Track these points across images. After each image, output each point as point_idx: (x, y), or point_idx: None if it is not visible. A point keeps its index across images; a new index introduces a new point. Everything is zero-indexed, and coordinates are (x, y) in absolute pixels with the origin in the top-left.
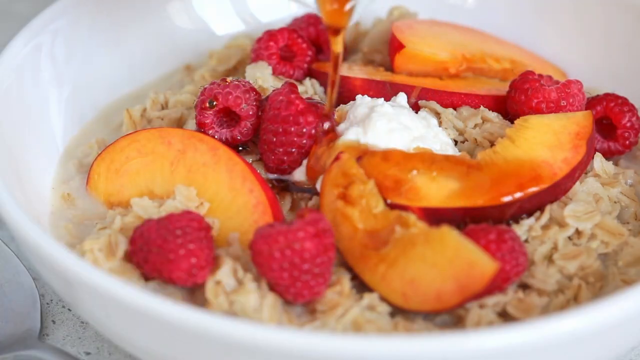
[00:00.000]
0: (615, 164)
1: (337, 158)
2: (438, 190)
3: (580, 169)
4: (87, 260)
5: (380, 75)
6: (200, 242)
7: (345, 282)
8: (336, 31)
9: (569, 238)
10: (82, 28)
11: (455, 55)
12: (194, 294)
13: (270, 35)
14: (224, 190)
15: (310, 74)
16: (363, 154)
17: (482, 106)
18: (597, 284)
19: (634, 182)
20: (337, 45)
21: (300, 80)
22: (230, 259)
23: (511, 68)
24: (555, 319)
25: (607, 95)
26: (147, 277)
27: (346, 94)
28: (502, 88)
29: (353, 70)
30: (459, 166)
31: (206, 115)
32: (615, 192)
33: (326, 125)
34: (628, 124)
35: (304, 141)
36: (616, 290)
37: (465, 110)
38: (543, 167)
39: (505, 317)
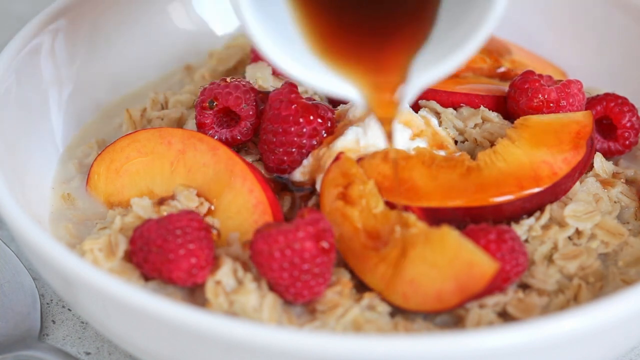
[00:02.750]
0: (615, 164)
1: (337, 158)
2: (438, 191)
3: (580, 169)
4: (87, 260)
5: None
6: (200, 242)
7: (345, 282)
8: (388, 122)
9: (569, 238)
10: (82, 28)
11: None
12: (194, 294)
13: None
14: (224, 191)
15: None
16: (363, 155)
17: (482, 106)
18: (597, 284)
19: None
20: (388, 126)
21: None
22: (230, 259)
23: (511, 68)
24: (555, 319)
25: (607, 95)
26: (147, 277)
27: None
28: (502, 88)
29: None
30: (458, 166)
31: (206, 115)
32: (615, 192)
33: None
34: (628, 124)
35: (304, 141)
36: (616, 290)
37: (465, 110)
38: (543, 167)
39: (505, 317)
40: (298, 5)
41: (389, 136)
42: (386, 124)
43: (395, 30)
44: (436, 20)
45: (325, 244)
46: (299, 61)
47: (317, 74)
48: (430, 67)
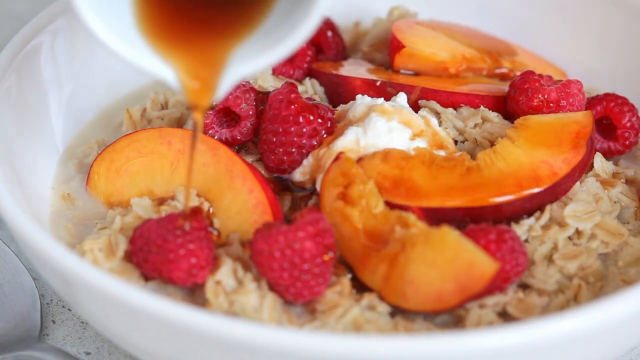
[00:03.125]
0: (615, 164)
1: (337, 158)
2: (438, 191)
3: (580, 169)
4: (87, 260)
5: (381, 75)
6: (200, 242)
7: (345, 282)
8: (199, 109)
9: (569, 238)
10: (82, 28)
11: (455, 55)
12: (194, 294)
13: None
14: (224, 191)
15: (310, 74)
16: (363, 155)
17: (482, 106)
18: (597, 284)
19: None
20: (198, 114)
21: (300, 80)
22: (230, 259)
23: (511, 68)
24: (555, 319)
25: (607, 95)
26: (147, 277)
27: (346, 94)
28: (502, 88)
29: (354, 70)
30: (458, 166)
31: (206, 115)
32: (615, 192)
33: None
34: (628, 124)
35: (304, 141)
36: (616, 290)
37: (465, 110)
38: (543, 167)
39: (505, 317)
40: None
41: (198, 126)
42: (197, 111)
43: (225, 21)
44: (267, 14)
45: (330, 254)
46: (122, 36)
47: (137, 51)
48: (248, 60)
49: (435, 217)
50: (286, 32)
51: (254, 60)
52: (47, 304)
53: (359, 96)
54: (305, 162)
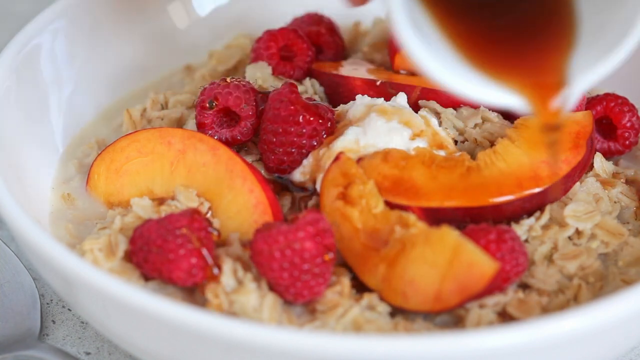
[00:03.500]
0: (615, 164)
1: (336, 158)
2: (438, 191)
3: (580, 169)
4: (87, 260)
5: (381, 75)
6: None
7: (345, 282)
8: (552, 128)
9: (569, 238)
10: (82, 28)
11: None
12: (194, 294)
13: (270, 35)
14: (224, 191)
15: (310, 74)
16: (363, 155)
17: (482, 106)
18: (597, 284)
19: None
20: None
21: (300, 80)
22: (230, 259)
23: None
24: (555, 319)
25: (607, 95)
26: (147, 277)
27: (346, 94)
28: None
29: (354, 70)
30: (458, 166)
31: (206, 115)
32: (615, 192)
33: None
34: (628, 124)
35: (304, 141)
36: (616, 290)
37: (465, 110)
38: (543, 167)
39: (505, 317)
40: (438, 19)
41: (553, 145)
42: (550, 130)
43: (540, 33)
44: (579, 17)
45: (330, 254)
46: (459, 74)
47: (477, 85)
48: (591, 68)
49: (435, 217)
50: (620, 31)
51: (597, 66)
52: (47, 304)
53: (358, 96)
54: (305, 162)
